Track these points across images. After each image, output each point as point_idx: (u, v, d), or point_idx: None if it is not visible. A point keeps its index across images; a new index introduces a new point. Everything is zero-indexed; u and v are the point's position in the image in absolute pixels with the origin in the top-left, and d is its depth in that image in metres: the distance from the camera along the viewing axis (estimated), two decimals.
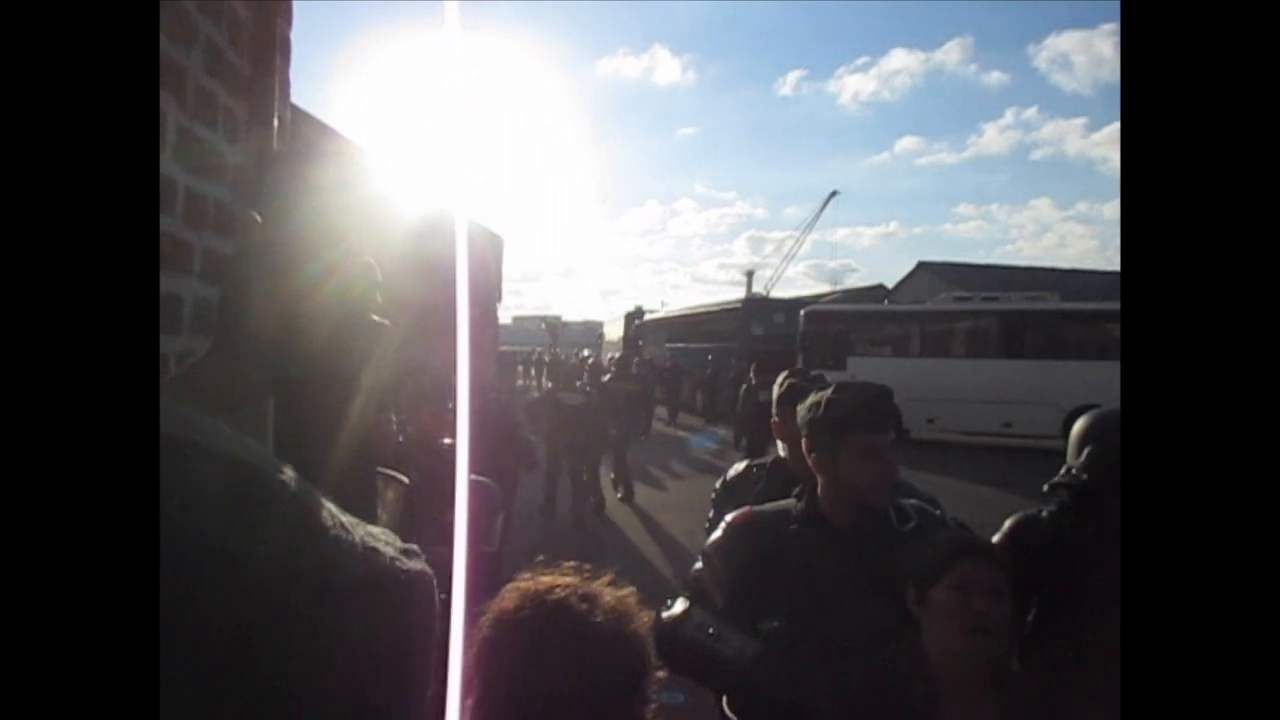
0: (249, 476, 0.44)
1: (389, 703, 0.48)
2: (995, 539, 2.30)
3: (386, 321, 0.71)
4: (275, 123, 1.48)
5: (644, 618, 1.01)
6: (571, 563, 1.06)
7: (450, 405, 3.66)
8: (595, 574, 1.04)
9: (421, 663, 0.50)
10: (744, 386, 12.04)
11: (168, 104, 1.10)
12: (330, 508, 0.48)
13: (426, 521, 3.14)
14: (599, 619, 0.93)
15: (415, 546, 0.53)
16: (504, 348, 21.27)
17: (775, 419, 2.53)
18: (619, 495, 9.93)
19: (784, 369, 3.21)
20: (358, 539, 0.49)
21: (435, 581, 0.53)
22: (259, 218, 0.67)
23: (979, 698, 1.52)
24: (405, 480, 2.80)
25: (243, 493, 0.43)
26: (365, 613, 0.47)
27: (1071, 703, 1.92)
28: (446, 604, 0.57)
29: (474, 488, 3.96)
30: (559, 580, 0.99)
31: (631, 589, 1.04)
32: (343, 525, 0.48)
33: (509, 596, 0.98)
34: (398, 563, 0.50)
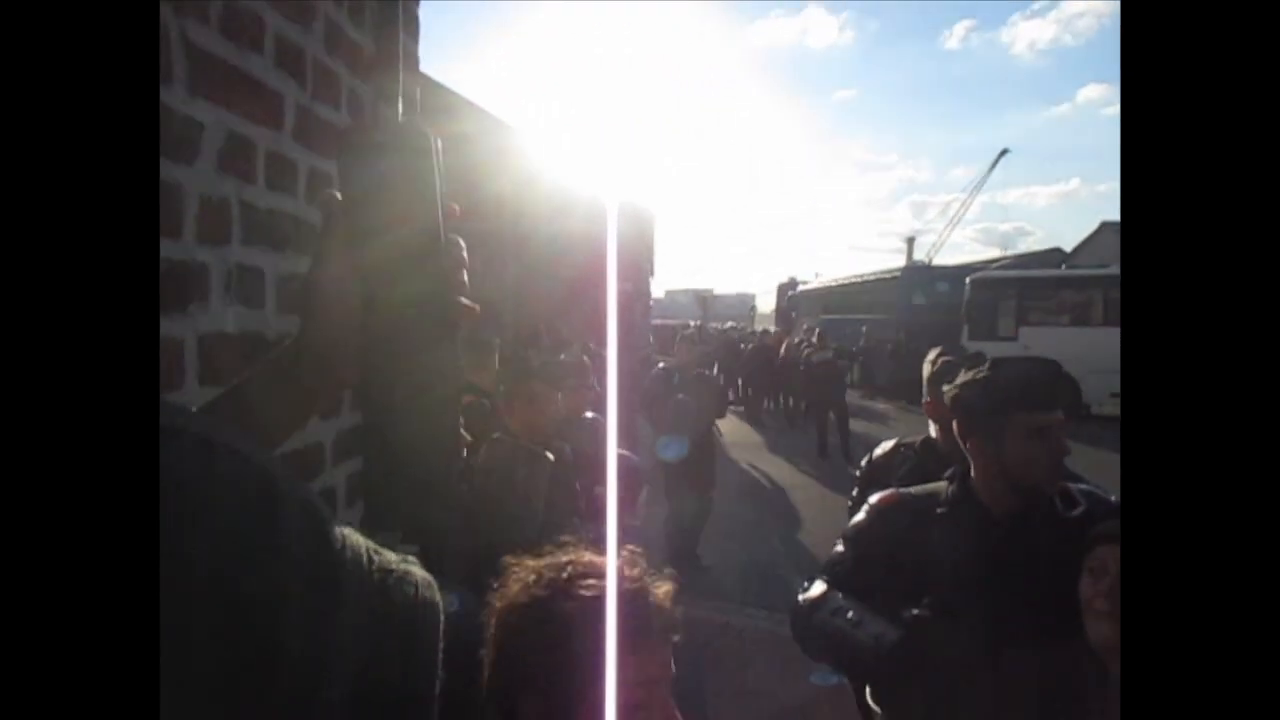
0: (251, 470, 0.41)
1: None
2: None
3: (473, 305, 0.66)
4: (401, 101, 1.48)
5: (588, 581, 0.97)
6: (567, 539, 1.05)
7: (592, 381, 3.71)
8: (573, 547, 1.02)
9: (426, 682, 0.46)
10: (806, 351, 11.91)
11: (286, 85, 1.11)
12: (334, 519, 0.45)
13: (581, 493, 3.20)
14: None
15: (413, 557, 0.49)
16: (656, 321, 21.47)
17: (926, 399, 2.41)
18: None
19: (945, 341, 3.03)
20: (364, 548, 0.45)
21: (440, 600, 0.49)
22: (339, 195, 0.63)
23: None
24: (551, 457, 2.87)
25: (245, 484, 0.40)
26: (373, 619, 0.43)
27: None
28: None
29: (619, 463, 4.01)
30: (534, 566, 0.99)
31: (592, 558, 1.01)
32: (346, 536, 0.45)
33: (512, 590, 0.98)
34: (406, 576, 0.46)
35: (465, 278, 0.66)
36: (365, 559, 0.45)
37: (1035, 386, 1.62)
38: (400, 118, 0.95)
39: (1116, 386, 14.13)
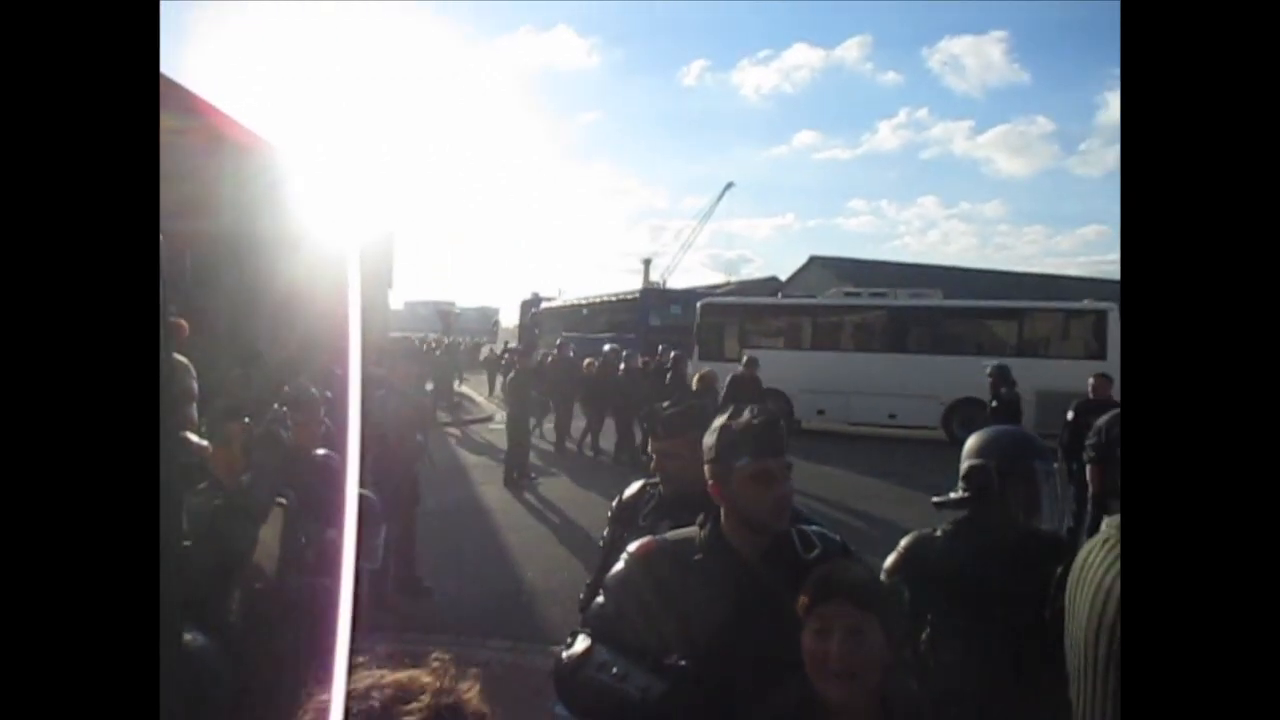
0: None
1: None
2: (890, 560, 2.30)
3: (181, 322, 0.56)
4: None
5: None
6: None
7: (324, 414, 3.40)
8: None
9: None
10: (513, 370, 12.41)
11: None
12: None
13: (308, 543, 2.87)
14: None
15: None
16: (394, 334, 20.50)
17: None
18: None
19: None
20: None
21: None
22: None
23: None
24: (284, 502, 2.57)
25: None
26: None
27: (966, 713, 1.94)
28: None
29: (358, 504, 3.71)
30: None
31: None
32: None
33: None
34: None
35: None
36: None
37: (756, 434, 1.75)
38: None
39: (823, 404, 15.88)
